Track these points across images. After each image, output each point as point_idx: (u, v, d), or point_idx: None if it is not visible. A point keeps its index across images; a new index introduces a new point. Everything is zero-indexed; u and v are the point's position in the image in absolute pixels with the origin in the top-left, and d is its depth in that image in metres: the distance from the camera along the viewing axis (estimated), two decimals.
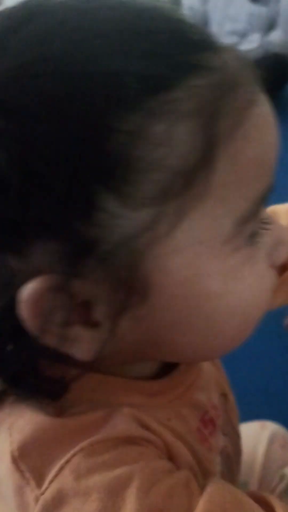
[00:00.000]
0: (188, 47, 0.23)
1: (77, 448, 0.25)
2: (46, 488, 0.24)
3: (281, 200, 0.42)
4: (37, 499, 0.24)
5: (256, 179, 0.25)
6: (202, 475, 0.32)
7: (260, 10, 2.24)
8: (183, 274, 0.24)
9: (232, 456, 0.40)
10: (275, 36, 2.24)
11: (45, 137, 0.21)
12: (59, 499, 0.24)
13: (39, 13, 0.23)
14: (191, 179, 0.22)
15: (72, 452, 0.25)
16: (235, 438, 0.42)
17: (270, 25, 2.28)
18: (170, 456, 0.29)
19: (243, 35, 2.29)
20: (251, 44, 2.23)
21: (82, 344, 0.24)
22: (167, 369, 0.33)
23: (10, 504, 0.26)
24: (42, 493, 0.24)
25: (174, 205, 0.22)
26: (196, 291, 0.25)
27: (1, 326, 0.24)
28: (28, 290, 0.22)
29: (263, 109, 0.25)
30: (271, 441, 0.61)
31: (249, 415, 0.58)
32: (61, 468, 0.24)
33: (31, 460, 0.25)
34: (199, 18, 2.37)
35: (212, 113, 0.23)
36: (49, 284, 0.22)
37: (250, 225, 0.25)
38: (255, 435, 0.61)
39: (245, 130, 0.24)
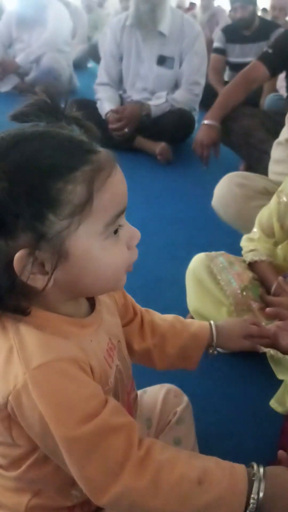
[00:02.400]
0: (83, 152, 0.51)
1: (49, 358, 0.52)
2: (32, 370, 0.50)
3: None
4: (24, 373, 0.49)
5: (112, 207, 0.52)
6: (106, 378, 0.60)
7: (166, 72, 2.65)
8: (82, 248, 0.51)
9: (122, 371, 0.68)
10: (178, 94, 2.64)
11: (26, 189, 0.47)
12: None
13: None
14: (82, 208, 0.50)
15: (46, 360, 0.51)
16: (125, 363, 0.70)
17: (174, 85, 2.69)
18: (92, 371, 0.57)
19: (152, 92, 2.68)
20: (160, 99, 2.61)
21: (41, 281, 0.51)
22: (89, 313, 0.63)
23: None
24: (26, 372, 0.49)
25: (77, 218, 0.50)
26: (88, 256, 0.52)
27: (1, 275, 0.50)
28: (17, 256, 0.48)
29: (116, 177, 0.53)
30: (167, 392, 0.89)
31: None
32: (39, 366, 0.51)
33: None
34: (114, 76, 2.74)
35: (91, 181, 0.50)
36: (25, 253, 0.48)
37: (112, 227, 0.53)
38: (157, 390, 0.90)
39: (105, 187, 0.51)
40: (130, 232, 0.58)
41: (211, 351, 0.82)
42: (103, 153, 0.53)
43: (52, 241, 0.49)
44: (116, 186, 0.53)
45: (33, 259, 0.50)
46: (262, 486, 0.53)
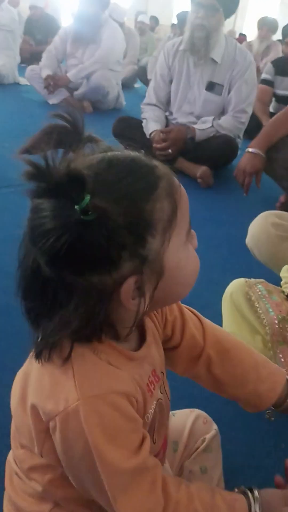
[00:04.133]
0: (152, 168, 0.50)
1: (105, 390, 0.51)
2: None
3: None
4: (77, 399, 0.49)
5: (187, 214, 0.53)
6: (144, 413, 0.59)
7: (214, 98, 2.67)
8: (174, 261, 0.52)
9: (164, 406, 0.66)
10: (224, 120, 2.65)
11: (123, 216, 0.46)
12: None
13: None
14: (171, 221, 0.50)
15: (102, 391, 0.51)
16: (166, 397, 0.68)
17: (221, 111, 2.70)
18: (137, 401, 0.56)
19: (198, 116, 2.70)
20: (205, 124, 2.63)
21: (141, 304, 0.51)
22: (138, 347, 0.61)
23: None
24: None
25: (168, 233, 0.50)
26: (178, 267, 0.53)
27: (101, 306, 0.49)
28: (126, 286, 0.48)
29: (182, 188, 0.53)
30: (197, 418, 0.87)
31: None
32: (94, 396, 0.50)
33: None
34: (162, 98, 2.78)
35: (171, 194, 0.50)
36: (133, 280, 0.49)
37: (189, 233, 0.55)
38: (186, 414, 0.88)
39: (181, 197, 0.52)
40: (191, 233, 0.57)
41: (268, 416, 0.78)
42: (159, 164, 0.52)
43: (153, 263, 0.50)
44: (184, 192, 0.53)
45: (139, 285, 0.50)
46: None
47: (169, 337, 0.71)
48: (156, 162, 0.52)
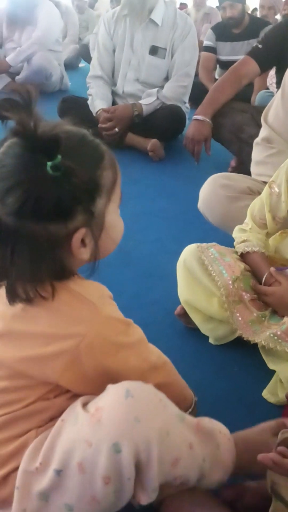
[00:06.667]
0: (97, 144, 0.66)
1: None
2: None
3: None
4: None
5: (120, 188, 0.69)
6: None
7: (158, 62, 2.60)
8: (110, 219, 0.68)
9: None
10: (167, 89, 2.61)
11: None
12: None
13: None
14: (112, 187, 0.67)
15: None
16: None
17: (166, 76, 2.66)
18: None
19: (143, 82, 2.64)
20: (151, 97, 2.59)
21: (85, 253, 0.65)
22: None
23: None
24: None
25: (109, 196, 0.66)
26: (113, 224, 0.69)
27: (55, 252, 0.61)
28: (78, 235, 0.62)
29: (118, 164, 0.68)
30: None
31: None
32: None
33: None
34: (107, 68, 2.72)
35: (113, 164, 0.67)
36: (83, 231, 0.62)
37: (119, 205, 0.70)
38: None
39: (118, 172, 0.68)
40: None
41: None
42: (100, 142, 0.66)
43: (98, 218, 0.64)
44: (119, 169, 0.68)
45: (90, 236, 0.63)
46: None
47: None
48: (97, 140, 0.65)
